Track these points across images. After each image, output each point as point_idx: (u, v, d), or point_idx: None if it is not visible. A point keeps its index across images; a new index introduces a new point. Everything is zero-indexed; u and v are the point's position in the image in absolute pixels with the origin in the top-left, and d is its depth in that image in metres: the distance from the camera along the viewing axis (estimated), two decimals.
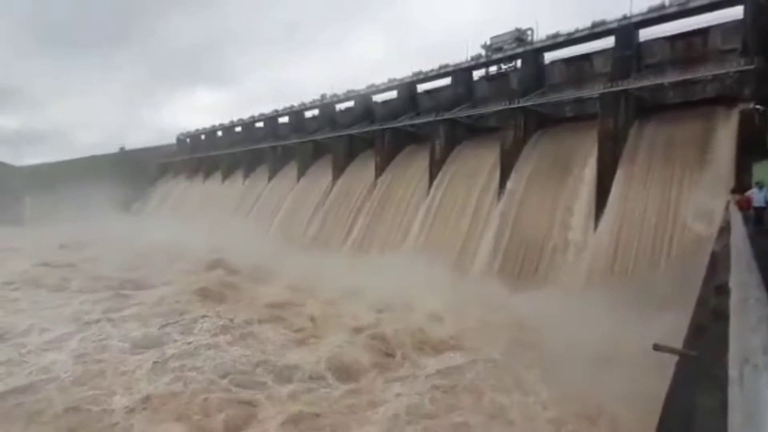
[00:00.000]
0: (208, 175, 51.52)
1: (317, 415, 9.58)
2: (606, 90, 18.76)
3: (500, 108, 22.80)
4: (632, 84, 18.41)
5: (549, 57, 23.47)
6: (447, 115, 25.71)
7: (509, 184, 21.16)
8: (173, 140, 62.26)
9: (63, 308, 17.14)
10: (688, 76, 17.28)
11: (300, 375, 11.32)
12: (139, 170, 60.20)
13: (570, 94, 20.79)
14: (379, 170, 29.26)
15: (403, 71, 30.60)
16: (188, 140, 59.94)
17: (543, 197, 19.81)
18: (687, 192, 15.75)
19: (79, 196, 50.40)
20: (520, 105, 21.93)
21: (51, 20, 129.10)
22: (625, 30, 19.50)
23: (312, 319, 15.78)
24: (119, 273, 23.15)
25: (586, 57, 22.00)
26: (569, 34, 21.73)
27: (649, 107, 18.78)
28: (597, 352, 10.62)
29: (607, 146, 18.36)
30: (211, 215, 44.53)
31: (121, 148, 65.18)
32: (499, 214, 20.76)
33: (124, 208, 53.24)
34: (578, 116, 21.15)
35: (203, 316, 15.78)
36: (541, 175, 20.61)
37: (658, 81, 18.06)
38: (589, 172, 18.80)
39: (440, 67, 28.03)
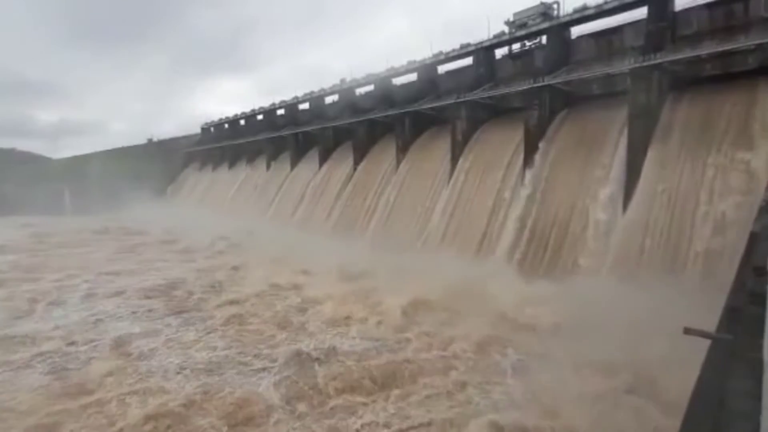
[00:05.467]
0: (232, 163, 52.49)
1: None
2: (637, 65, 17.82)
3: (524, 87, 22.06)
4: (666, 57, 17.39)
5: (576, 32, 22.45)
6: (468, 97, 25.09)
7: (533, 166, 20.60)
8: (199, 129, 63.59)
9: None
10: (728, 46, 16.17)
11: None
12: (167, 160, 62.00)
13: (599, 71, 19.84)
14: (401, 154, 29.02)
15: (426, 52, 29.82)
16: (212, 129, 61.03)
17: (569, 179, 19.18)
18: (724, 171, 14.89)
19: (113, 186, 52.50)
20: (545, 83, 21.15)
21: (81, 15, 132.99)
22: None
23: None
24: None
25: (616, 30, 20.89)
26: (598, 6, 20.65)
27: (684, 82, 17.72)
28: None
29: (638, 124, 17.51)
30: (237, 202, 45.60)
31: (149, 139, 67.09)
32: (523, 197, 20.28)
33: (154, 196, 55.06)
34: (607, 93, 20.22)
35: None
36: (567, 156, 19.93)
37: (695, 53, 16.98)
38: (618, 152, 18.03)
39: (461, 47, 27.29)
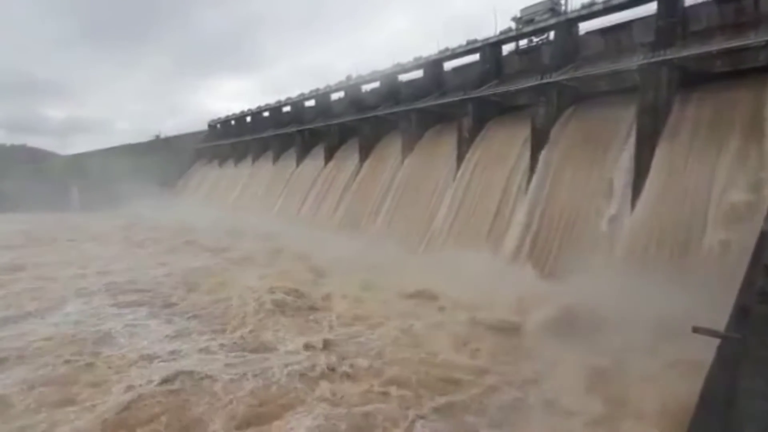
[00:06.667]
0: (239, 159, 52.66)
1: None
2: (646, 61, 17.65)
3: (531, 84, 21.93)
4: (675, 54, 17.21)
5: (584, 27, 22.30)
6: (474, 94, 24.99)
7: (540, 164, 20.51)
8: (205, 126, 63.83)
9: None
10: (739, 43, 15.96)
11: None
12: (174, 156, 62.26)
13: (607, 67, 19.68)
14: (406, 151, 28.99)
15: (431, 50, 29.73)
16: (219, 126, 61.25)
17: (576, 176, 19.07)
18: (735, 169, 14.74)
19: (120, 183, 52.89)
20: (552, 80, 21.02)
21: (86, 13, 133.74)
22: None
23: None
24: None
25: (625, 26, 20.71)
26: (606, 1, 20.46)
27: (694, 78, 17.54)
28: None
29: (646, 121, 17.37)
30: (243, 199, 45.85)
31: (156, 136, 67.44)
32: (529, 194, 20.22)
33: (162, 194, 55.39)
34: (616, 90, 20.05)
35: None
36: (575, 154, 19.81)
37: (705, 49, 16.79)
38: (626, 149, 17.89)
39: (468, 43, 27.16)
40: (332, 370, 10.83)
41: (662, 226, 15.53)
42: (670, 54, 17.14)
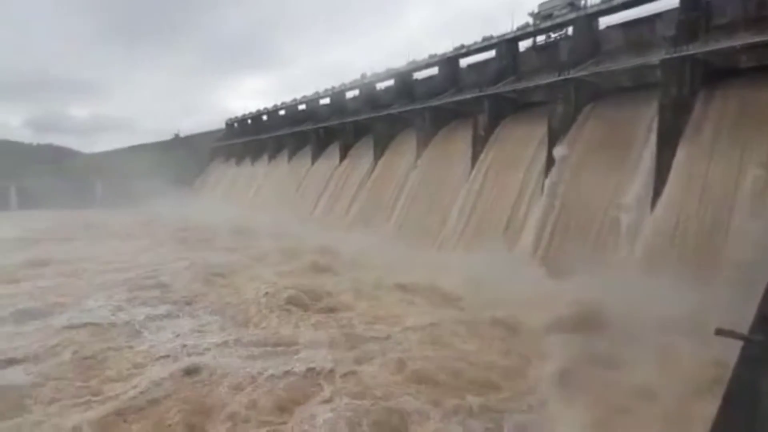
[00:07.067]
0: (255, 158, 53.32)
1: None
2: (668, 56, 17.20)
3: (549, 80, 21.61)
4: (699, 48, 16.73)
5: (604, 22, 21.84)
6: (490, 91, 24.74)
7: (557, 162, 20.20)
8: (223, 125, 64.82)
9: None
10: (765, 37, 15.42)
11: None
12: (192, 154, 63.49)
13: (628, 62, 19.24)
14: (420, 149, 28.92)
15: (448, 46, 29.58)
16: (236, 125, 62.09)
17: (594, 175, 18.70)
18: (760, 168, 14.24)
19: (140, 181, 54.15)
20: (571, 76, 20.66)
21: (109, 13, 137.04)
22: None
23: None
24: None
25: (647, 20, 20.21)
26: None
27: (718, 74, 17.02)
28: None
29: (668, 118, 16.92)
30: (259, 197, 46.42)
31: (176, 135, 68.78)
32: (546, 193, 19.95)
33: (180, 192, 56.52)
34: (636, 87, 19.62)
35: None
36: (593, 152, 19.44)
37: (730, 44, 16.27)
38: (647, 147, 17.47)
39: (483, 39, 26.90)
40: (357, 363, 10.91)
41: (684, 226, 15.13)
42: (693, 49, 16.68)
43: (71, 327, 13.62)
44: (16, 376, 10.54)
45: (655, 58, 17.76)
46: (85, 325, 13.86)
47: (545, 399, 9.26)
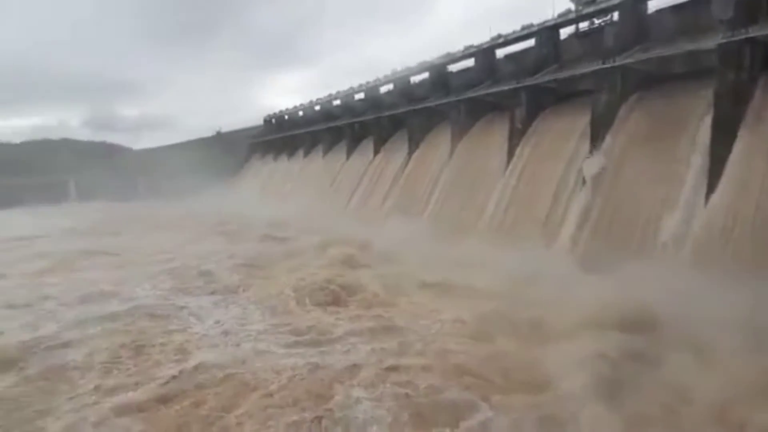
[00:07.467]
0: (291, 153, 54.42)
1: None
2: (725, 40, 16.00)
3: (593, 68, 20.63)
4: (760, 31, 15.44)
5: (653, 6, 20.60)
6: (528, 81, 23.93)
7: (600, 155, 19.33)
8: (261, 122, 66.51)
9: None
10: None
11: None
12: (232, 150, 65.77)
13: (680, 48, 18.03)
14: (455, 142, 28.49)
15: (485, 36, 28.81)
16: (273, 121, 63.51)
17: (640, 168, 17.71)
18: None
19: (182, 177, 56.68)
20: (617, 63, 19.62)
21: (151, 13, 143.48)
22: None
23: None
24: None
25: (701, 2, 18.86)
26: None
27: None
28: None
29: (725, 106, 15.73)
30: (295, 191, 47.39)
31: (217, 132, 71.20)
32: (588, 187, 19.16)
33: (220, 187, 58.69)
34: (686, 74, 18.40)
35: None
36: (639, 144, 18.41)
37: None
38: (699, 138, 16.38)
39: (522, 28, 25.96)
40: (400, 354, 11.01)
41: (742, 222, 14.11)
42: (753, 32, 15.41)
43: (124, 313, 14.53)
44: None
45: (711, 42, 16.57)
46: (134, 309, 14.79)
47: (587, 402, 8.95)
